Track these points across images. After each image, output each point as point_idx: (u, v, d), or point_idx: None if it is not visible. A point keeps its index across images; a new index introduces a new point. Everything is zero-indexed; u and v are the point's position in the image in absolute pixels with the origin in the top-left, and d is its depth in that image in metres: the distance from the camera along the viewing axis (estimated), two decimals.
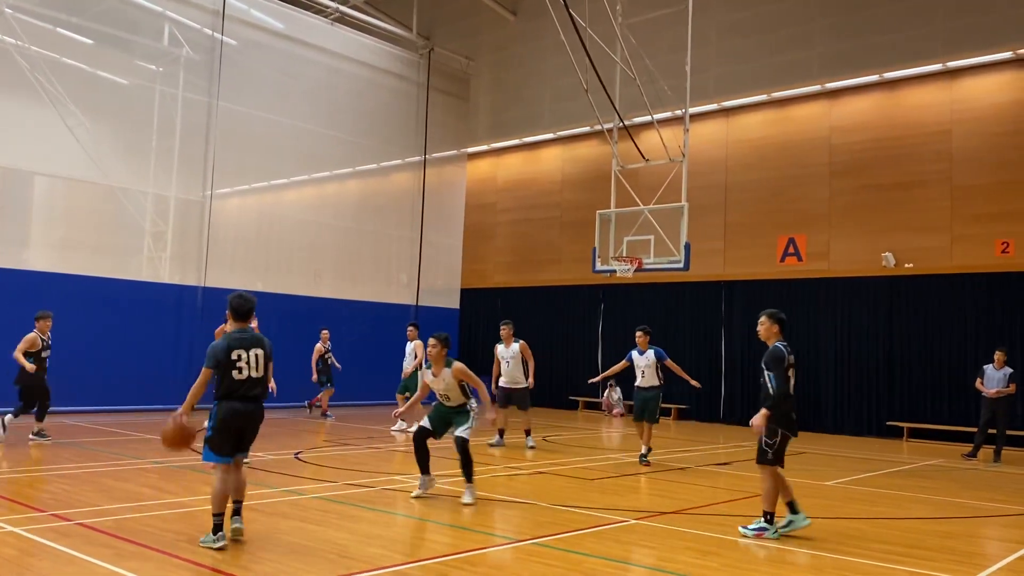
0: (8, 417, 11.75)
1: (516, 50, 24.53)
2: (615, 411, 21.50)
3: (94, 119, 17.11)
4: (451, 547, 6.68)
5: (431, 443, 8.71)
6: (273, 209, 20.73)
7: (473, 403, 8.78)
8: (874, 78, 18.59)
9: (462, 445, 8.55)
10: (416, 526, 7.55)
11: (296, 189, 21.53)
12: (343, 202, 22.11)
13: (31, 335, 11.89)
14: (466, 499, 8.38)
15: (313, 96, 21.03)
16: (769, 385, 7.29)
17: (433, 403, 8.96)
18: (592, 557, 6.36)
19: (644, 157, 16.13)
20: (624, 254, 15.53)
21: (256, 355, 6.52)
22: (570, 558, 6.33)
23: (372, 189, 22.96)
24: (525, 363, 13.55)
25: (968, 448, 14.47)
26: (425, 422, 8.78)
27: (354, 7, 22.46)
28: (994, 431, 14.00)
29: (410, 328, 15.61)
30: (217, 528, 6.21)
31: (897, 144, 18.36)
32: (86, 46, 17.58)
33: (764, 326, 7.65)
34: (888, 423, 17.70)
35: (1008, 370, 13.93)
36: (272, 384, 10.89)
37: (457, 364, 8.66)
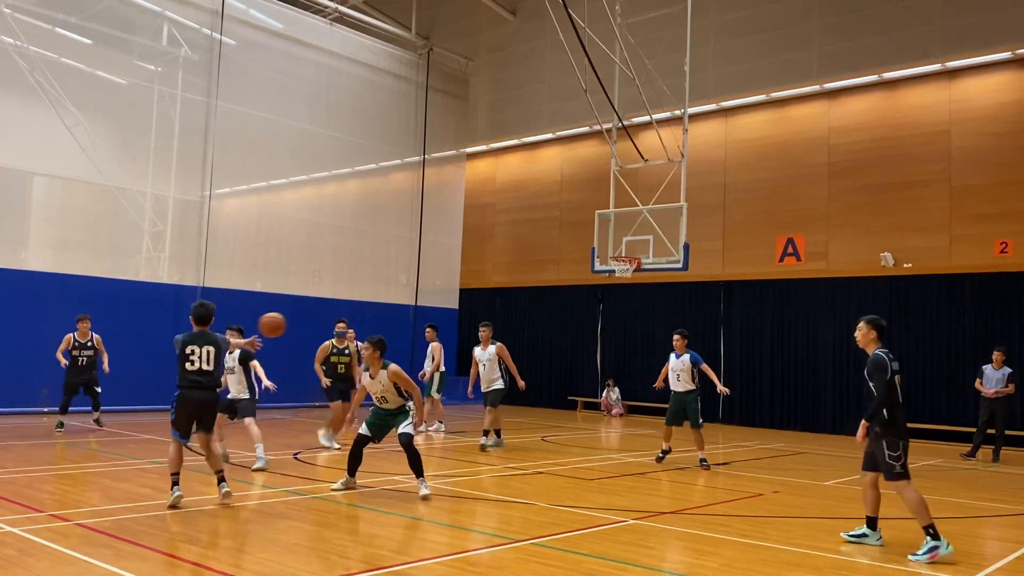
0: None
1: (515, 50, 24.53)
2: (614, 411, 21.51)
3: (93, 119, 17.09)
4: (450, 547, 6.68)
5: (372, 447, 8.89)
6: (272, 209, 20.72)
7: (410, 404, 8.81)
8: (873, 78, 18.60)
9: (406, 441, 8.61)
10: (415, 526, 7.55)
11: (295, 189, 21.51)
12: (342, 202, 22.10)
13: (68, 335, 13.41)
14: (423, 491, 8.47)
15: (312, 96, 21.02)
16: (875, 391, 6.93)
17: (371, 408, 9.01)
18: (591, 557, 6.36)
19: (643, 157, 16.13)
20: (623, 254, 15.53)
21: (208, 351, 7.69)
22: (569, 558, 6.33)
23: (371, 189, 22.94)
24: (503, 365, 13.38)
25: (967, 448, 14.47)
26: (364, 429, 8.85)
27: (353, 7, 22.45)
28: (993, 431, 14.00)
29: (428, 329, 15.46)
30: (174, 484, 7.56)
31: (896, 144, 18.37)
32: (85, 46, 17.56)
33: (862, 332, 7.27)
34: None
35: (1007, 370, 13.94)
36: (270, 383, 11.06)
37: (392, 367, 8.70)
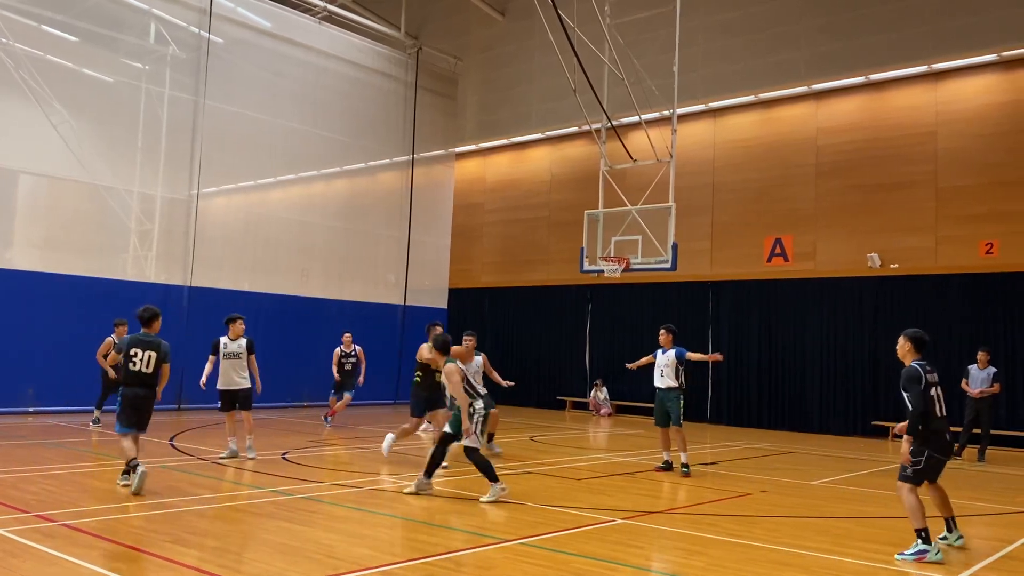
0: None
1: (504, 50, 24.53)
2: (602, 411, 21.54)
3: (79, 117, 16.99)
4: (438, 547, 6.67)
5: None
6: (260, 208, 20.64)
7: (476, 405, 8.72)
8: (860, 79, 18.69)
9: (467, 454, 8.72)
10: (404, 526, 7.54)
11: (283, 188, 21.44)
12: (331, 201, 22.03)
13: (108, 339, 13.81)
14: (482, 498, 8.57)
15: (300, 95, 20.95)
16: (908, 404, 6.93)
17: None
18: (579, 557, 6.37)
19: (632, 157, 16.16)
20: (612, 254, 15.55)
21: (149, 355, 8.56)
22: (557, 558, 6.33)
23: (360, 188, 22.89)
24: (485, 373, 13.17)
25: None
26: (448, 427, 8.98)
27: (342, 6, 22.40)
28: (978, 430, 14.09)
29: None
30: (126, 472, 8.40)
31: (883, 145, 18.46)
32: (71, 43, 17.46)
33: (901, 345, 7.36)
34: (873, 423, 17.81)
35: (992, 370, 14.03)
36: (257, 382, 11.18)
37: (446, 366, 8.81)
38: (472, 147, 25.57)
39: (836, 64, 18.78)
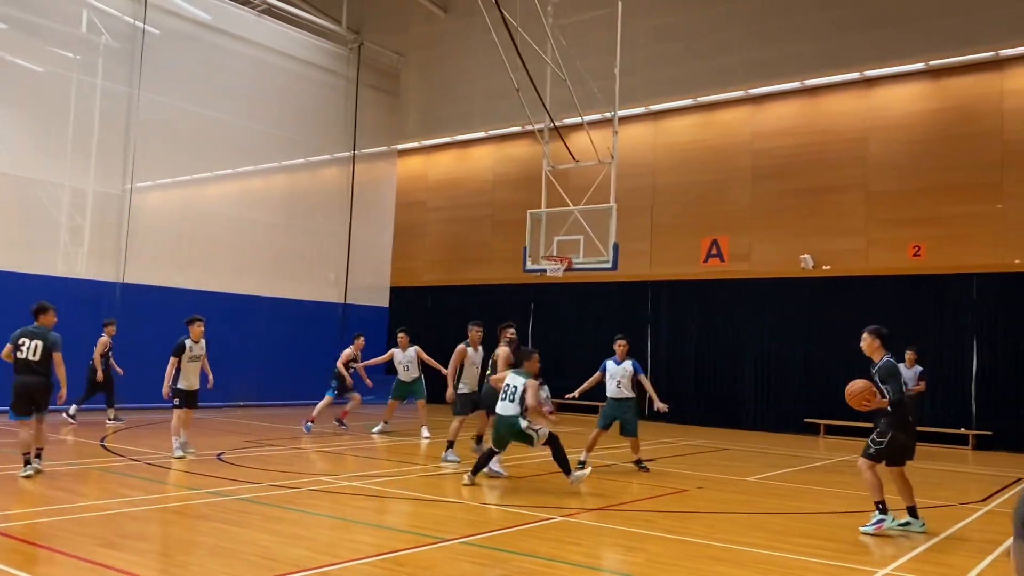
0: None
1: (447, 47, 24.45)
2: (544, 409, 21.61)
3: (6, 107, 16.43)
4: (378, 548, 6.63)
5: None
6: (196, 204, 20.20)
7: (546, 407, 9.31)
8: (795, 85, 19.15)
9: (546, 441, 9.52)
10: (342, 527, 7.47)
11: (221, 183, 21.02)
12: (269, 197, 21.67)
13: (103, 339, 14.70)
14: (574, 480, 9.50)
15: (239, 89, 20.57)
16: (888, 394, 7.69)
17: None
18: (520, 555, 6.39)
19: (574, 158, 16.27)
20: (554, 254, 15.64)
21: (36, 344, 8.97)
22: (498, 556, 6.35)
23: (300, 184, 22.58)
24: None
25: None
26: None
27: None
28: None
29: (403, 335, 15.06)
30: (27, 463, 8.88)
31: (816, 150, 18.95)
32: None
33: (865, 342, 8.06)
34: (806, 420, 18.26)
35: (918, 369, 14.51)
36: (210, 378, 11.29)
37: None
38: (415, 144, 25.43)
39: (772, 70, 19.20)
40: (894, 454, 7.74)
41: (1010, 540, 0.98)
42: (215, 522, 7.16)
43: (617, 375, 11.38)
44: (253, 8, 20.99)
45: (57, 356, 9.07)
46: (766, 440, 16.76)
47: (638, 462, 11.45)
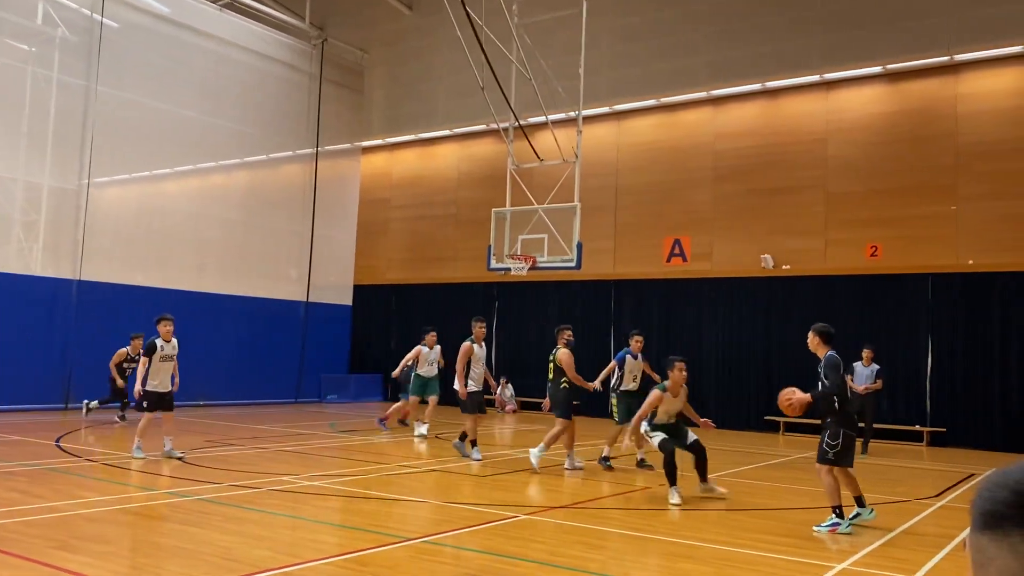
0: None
1: (412, 44, 24.35)
2: (508, 407, 21.67)
3: None
4: (340, 547, 6.59)
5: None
6: (155, 200, 19.87)
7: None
8: (756, 87, 19.37)
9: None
10: (305, 527, 7.41)
11: (180, 179, 20.69)
12: (230, 194, 21.39)
13: (121, 350, 14.87)
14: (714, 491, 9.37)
15: (200, 84, 20.28)
16: (823, 384, 7.83)
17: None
18: (482, 553, 6.40)
19: (539, 157, 16.31)
20: (518, 252, 15.67)
21: None
22: (461, 555, 6.35)
23: (261, 181, 22.32)
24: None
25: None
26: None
27: None
28: (863, 424, 14.81)
29: (432, 334, 14.95)
30: None
31: (777, 151, 19.20)
32: None
33: (811, 340, 8.17)
34: (766, 417, 18.50)
35: (875, 367, 14.77)
36: (176, 380, 11.18)
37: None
38: (379, 142, 25.29)
39: (733, 71, 19.41)
40: (848, 452, 7.87)
41: (966, 532, 1.01)
42: (174, 523, 7.06)
43: (636, 370, 11.80)
44: (215, 2, 20.71)
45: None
46: (727, 437, 16.94)
47: (606, 456, 11.58)
